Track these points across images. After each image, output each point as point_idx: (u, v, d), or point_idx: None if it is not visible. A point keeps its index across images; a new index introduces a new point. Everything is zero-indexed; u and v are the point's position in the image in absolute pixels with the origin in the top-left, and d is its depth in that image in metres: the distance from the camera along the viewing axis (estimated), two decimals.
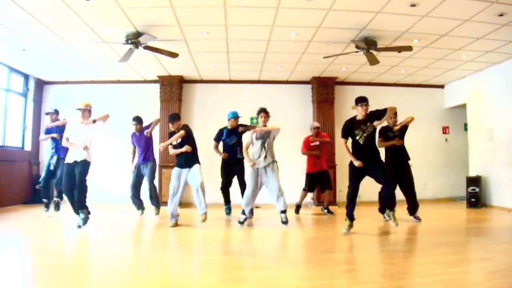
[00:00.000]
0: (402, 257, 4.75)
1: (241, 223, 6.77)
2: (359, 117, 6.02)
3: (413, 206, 7.01)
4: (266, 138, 6.75)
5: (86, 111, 6.38)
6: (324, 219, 7.83)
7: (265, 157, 6.69)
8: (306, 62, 9.07)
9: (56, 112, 8.31)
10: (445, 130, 11.20)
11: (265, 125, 6.81)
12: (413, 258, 4.66)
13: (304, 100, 10.83)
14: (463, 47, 7.83)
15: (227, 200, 8.00)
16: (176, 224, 6.67)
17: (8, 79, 9.43)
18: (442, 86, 11.23)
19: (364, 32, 7.07)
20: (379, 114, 6.05)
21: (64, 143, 6.41)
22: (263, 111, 6.86)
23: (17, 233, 6.29)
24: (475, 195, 9.15)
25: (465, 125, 10.70)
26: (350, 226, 5.92)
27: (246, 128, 7.65)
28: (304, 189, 8.51)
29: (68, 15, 6.24)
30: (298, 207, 8.47)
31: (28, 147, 10.20)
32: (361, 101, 6.03)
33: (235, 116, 7.78)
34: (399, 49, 7.35)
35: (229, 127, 7.80)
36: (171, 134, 6.78)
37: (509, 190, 8.60)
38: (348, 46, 7.71)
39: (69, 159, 6.32)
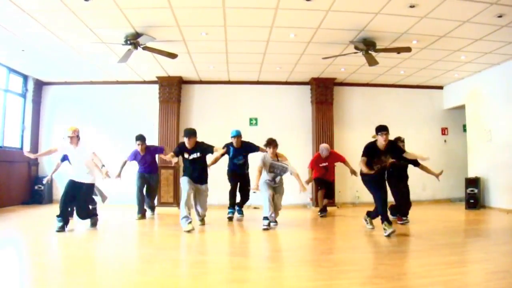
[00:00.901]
0: (401, 258, 4.75)
1: (267, 227, 6.55)
2: (381, 147, 5.93)
3: (404, 209, 7.03)
4: (279, 174, 6.80)
5: (75, 137, 6.19)
6: (323, 220, 7.82)
7: (275, 182, 6.83)
8: (305, 63, 9.07)
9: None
10: (444, 131, 11.21)
11: (274, 157, 6.73)
12: (412, 259, 4.66)
13: (303, 101, 10.83)
14: (462, 48, 7.84)
15: (232, 205, 7.85)
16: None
17: (7, 80, 9.42)
18: (441, 87, 11.25)
19: (363, 33, 7.07)
20: (399, 153, 6.07)
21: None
22: (273, 143, 6.73)
23: (16, 233, 6.28)
24: (474, 196, 9.16)
25: (464, 126, 10.70)
26: (390, 226, 5.84)
27: (251, 147, 7.70)
28: (318, 189, 8.61)
29: (67, 16, 6.24)
30: (322, 210, 8.42)
31: (27, 147, 10.17)
32: (381, 130, 5.89)
33: (238, 135, 7.63)
34: (398, 50, 7.35)
35: (235, 145, 7.65)
36: (185, 149, 6.60)
37: (508, 191, 8.60)
38: (347, 47, 7.71)
39: (75, 177, 6.33)
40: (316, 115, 10.55)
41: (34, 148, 10.34)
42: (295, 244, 5.79)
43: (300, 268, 4.34)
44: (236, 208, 7.92)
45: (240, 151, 7.67)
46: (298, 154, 9.66)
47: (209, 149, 6.68)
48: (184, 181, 6.50)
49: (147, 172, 7.99)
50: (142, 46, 7.22)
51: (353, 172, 8.02)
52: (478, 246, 5.26)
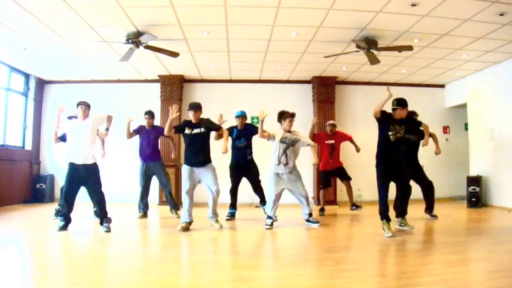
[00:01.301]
0: (402, 257, 4.76)
1: (270, 227, 6.40)
2: (396, 116, 5.91)
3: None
4: (290, 145, 6.50)
5: (87, 108, 6.17)
6: (323, 219, 7.82)
7: (286, 163, 6.44)
8: (307, 62, 9.07)
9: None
10: (445, 129, 11.20)
11: (289, 130, 6.57)
12: (413, 258, 4.65)
13: (304, 100, 10.83)
14: (464, 47, 7.83)
15: (233, 204, 7.58)
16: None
17: (9, 79, 9.44)
18: (442, 86, 11.23)
19: (364, 32, 7.07)
20: (416, 126, 6.25)
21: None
22: (291, 116, 6.66)
23: (18, 232, 6.29)
24: (476, 194, 9.14)
25: (466, 124, 10.70)
26: (389, 226, 5.73)
27: (255, 128, 7.31)
28: (320, 188, 8.47)
29: (69, 15, 6.25)
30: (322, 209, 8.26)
31: (28, 146, 10.21)
32: (402, 104, 5.91)
33: (243, 115, 7.51)
34: (400, 48, 7.35)
35: (238, 126, 7.47)
36: (188, 123, 6.36)
37: (509, 190, 8.59)
38: (348, 45, 7.71)
39: (76, 159, 5.98)
40: (318, 114, 10.53)
41: (36, 147, 10.37)
42: (296, 243, 5.80)
43: (302, 266, 4.35)
44: (262, 206, 7.43)
45: (243, 132, 7.43)
46: (301, 152, 9.63)
47: (214, 126, 6.45)
48: (184, 175, 6.24)
49: (149, 160, 7.60)
50: (144, 45, 7.23)
51: (359, 150, 8.11)
52: (479, 245, 5.26)
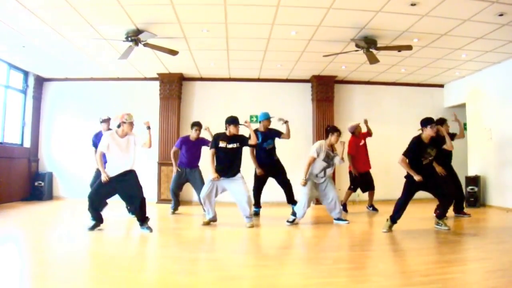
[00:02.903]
0: (400, 256, 4.77)
1: (291, 223, 6.68)
2: (426, 140, 5.87)
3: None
4: (331, 164, 6.70)
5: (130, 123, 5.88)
6: (323, 218, 7.82)
7: (323, 176, 6.67)
8: (306, 61, 9.07)
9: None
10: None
11: (330, 147, 6.70)
12: (411, 257, 4.66)
13: (303, 99, 10.83)
14: (463, 47, 7.83)
15: (258, 202, 7.71)
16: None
17: (8, 76, 9.42)
18: (441, 86, 11.24)
19: (364, 31, 7.07)
20: (441, 141, 6.06)
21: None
22: (338, 131, 6.69)
23: (16, 230, 6.29)
24: (474, 194, 9.16)
25: (465, 124, 10.67)
26: (391, 227, 5.95)
27: (276, 131, 7.56)
28: (350, 188, 8.43)
29: (68, 12, 6.23)
30: (344, 206, 8.22)
31: (27, 143, 10.19)
32: (432, 122, 5.85)
33: (268, 117, 7.51)
34: (399, 48, 7.36)
35: (262, 129, 7.46)
36: (220, 136, 6.46)
37: (508, 190, 8.61)
38: (348, 45, 7.70)
39: (117, 170, 5.83)
40: (317, 112, 10.55)
41: (34, 145, 10.35)
42: (294, 242, 5.81)
43: (299, 265, 4.36)
44: (292, 206, 7.31)
45: (268, 134, 7.48)
46: (299, 152, 9.65)
47: (246, 140, 6.46)
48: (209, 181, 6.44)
49: (189, 166, 7.81)
50: (143, 43, 7.22)
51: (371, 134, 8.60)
52: (477, 245, 5.26)
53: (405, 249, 5.10)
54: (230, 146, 6.36)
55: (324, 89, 10.59)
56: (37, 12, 6.27)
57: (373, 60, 7.66)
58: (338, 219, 6.82)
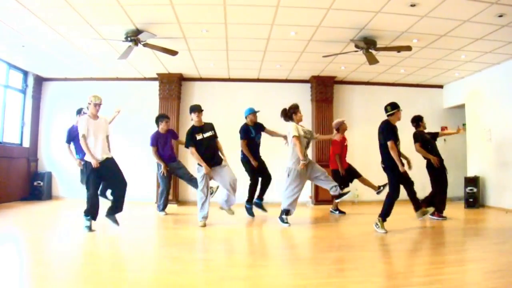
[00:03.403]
0: (399, 257, 4.77)
1: (286, 221, 6.64)
2: (395, 122, 6.19)
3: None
4: (310, 139, 6.89)
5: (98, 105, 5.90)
6: (322, 218, 7.83)
7: (306, 155, 6.63)
8: (306, 61, 9.07)
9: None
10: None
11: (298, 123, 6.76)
12: (410, 258, 4.67)
13: (303, 99, 10.78)
14: (463, 48, 7.83)
15: (256, 195, 7.65)
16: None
17: (7, 76, 9.42)
18: (441, 86, 11.25)
19: (363, 32, 7.07)
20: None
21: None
22: (297, 108, 6.78)
23: (15, 230, 6.29)
24: (473, 195, 9.16)
25: (464, 125, 10.70)
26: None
27: (261, 125, 7.61)
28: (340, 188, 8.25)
29: (67, 12, 6.23)
30: (338, 210, 8.27)
31: (26, 143, 10.19)
32: (398, 107, 6.24)
33: (253, 111, 7.56)
34: (399, 49, 7.36)
35: (250, 123, 7.50)
36: (193, 130, 6.49)
37: (507, 191, 8.61)
38: (347, 45, 7.71)
39: (100, 155, 5.80)
40: (316, 113, 10.56)
41: (33, 144, 10.35)
42: (293, 242, 5.81)
43: (298, 266, 4.36)
44: (256, 201, 7.60)
45: (258, 128, 7.57)
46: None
47: (213, 128, 6.65)
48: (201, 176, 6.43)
49: (171, 160, 7.88)
50: (142, 43, 7.22)
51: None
52: (476, 245, 5.27)
53: (404, 249, 5.10)
54: (206, 135, 6.47)
55: (324, 89, 10.60)
56: (37, 12, 6.27)
57: (372, 60, 7.66)
58: (340, 195, 6.74)
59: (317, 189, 9.87)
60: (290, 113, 6.73)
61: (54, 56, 8.74)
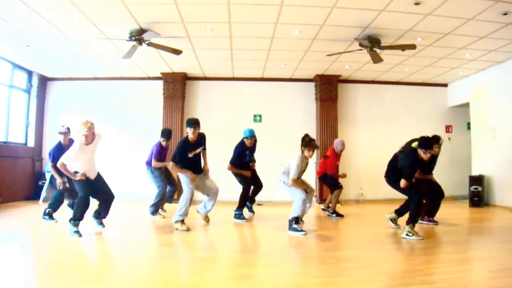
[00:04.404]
0: (404, 256, 4.76)
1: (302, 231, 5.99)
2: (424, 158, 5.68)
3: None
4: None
5: (90, 135, 5.53)
6: (326, 217, 7.81)
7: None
8: (310, 60, 9.06)
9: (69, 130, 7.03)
10: (448, 129, 11.18)
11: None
12: (415, 257, 4.66)
13: (307, 98, 10.83)
14: (467, 46, 7.81)
15: (243, 206, 7.55)
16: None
17: (12, 76, 9.46)
18: (445, 85, 11.21)
19: (367, 30, 7.06)
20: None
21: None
22: (316, 146, 6.22)
23: (20, 229, 6.31)
24: (478, 194, 9.14)
25: (468, 124, 10.69)
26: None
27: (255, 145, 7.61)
28: (338, 188, 7.90)
29: (71, 12, 6.25)
30: (336, 213, 7.90)
31: (31, 143, 10.23)
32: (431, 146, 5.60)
33: (254, 136, 7.39)
34: (403, 47, 7.34)
35: (248, 145, 7.36)
36: (185, 146, 6.15)
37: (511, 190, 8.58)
38: (351, 44, 7.70)
39: (91, 174, 5.76)
40: (321, 112, 10.55)
41: (38, 144, 10.39)
42: (298, 241, 5.79)
43: (304, 265, 4.36)
44: (247, 205, 7.80)
45: (253, 149, 7.58)
46: None
47: (204, 140, 6.41)
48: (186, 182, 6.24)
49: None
50: (146, 42, 7.23)
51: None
52: (481, 244, 5.26)
53: (409, 248, 5.09)
54: (197, 151, 6.29)
55: (328, 88, 10.59)
56: (41, 12, 6.29)
57: (376, 59, 7.65)
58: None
59: (321, 188, 9.87)
60: (305, 145, 6.13)
61: (58, 56, 8.77)
